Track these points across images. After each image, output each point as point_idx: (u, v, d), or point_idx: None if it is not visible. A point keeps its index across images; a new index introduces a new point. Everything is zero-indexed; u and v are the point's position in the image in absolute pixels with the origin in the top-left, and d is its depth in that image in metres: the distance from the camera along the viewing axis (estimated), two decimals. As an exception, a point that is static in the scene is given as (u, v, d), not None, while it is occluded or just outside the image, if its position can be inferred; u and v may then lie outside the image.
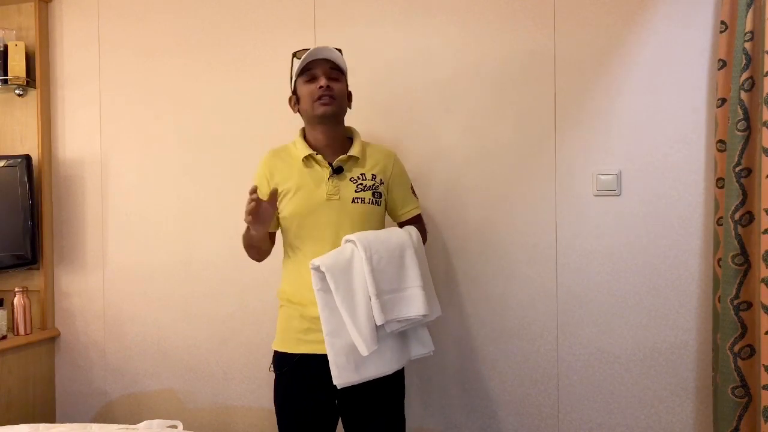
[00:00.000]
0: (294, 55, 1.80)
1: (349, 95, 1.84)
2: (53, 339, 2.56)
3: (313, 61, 1.74)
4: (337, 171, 1.74)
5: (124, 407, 2.49)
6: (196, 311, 2.39)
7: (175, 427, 1.77)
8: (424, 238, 1.90)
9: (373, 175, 1.78)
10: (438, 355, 2.14)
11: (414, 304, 1.64)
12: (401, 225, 1.86)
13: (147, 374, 2.46)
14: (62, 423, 2.18)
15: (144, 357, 2.46)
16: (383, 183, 1.80)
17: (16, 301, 2.43)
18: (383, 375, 1.65)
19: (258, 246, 1.79)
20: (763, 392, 1.68)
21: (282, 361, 1.76)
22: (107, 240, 2.50)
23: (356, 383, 1.62)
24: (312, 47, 1.75)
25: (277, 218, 1.80)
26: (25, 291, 2.45)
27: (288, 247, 1.80)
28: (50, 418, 2.54)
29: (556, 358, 2.05)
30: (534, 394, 2.07)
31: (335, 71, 1.76)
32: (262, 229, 1.68)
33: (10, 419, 2.33)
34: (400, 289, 1.65)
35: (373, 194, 1.76)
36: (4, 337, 2.37)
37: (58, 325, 2.58)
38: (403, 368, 1.78)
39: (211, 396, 2.38)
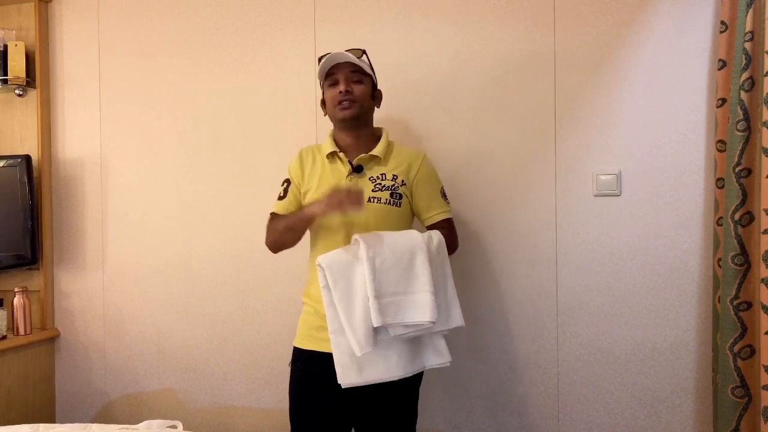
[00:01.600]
0: (319, 60, 1.79)
1: (379, 94, 1.84)
2: (53, 339, 2.56)
3: (335, 65, 1.74)
4: (357, 170, 1.73)
5: (124, 407, 2.49)
6: (196, 311, 2.39)
7: (175, 427, 1.77)
8: (454, 244, 1.84)
9: (394, 175, 1.75)
10: (438, 355, 2.15)
11: (421, 309, 1.58)
12: (429, 229, 1.81)
13: (147, 374, 2.46)
14: (62, 423, 2.17)
15: (144, 357, 2.46)
16: (405, 184, 1.75)
17: (16, 301, 2.43)
18: (388, 380, 1.62)
19: (300, 230, 1.74)
20: (763, 392, 1.68)
21: (297, 357, 1.78)
22: (107, 240, 2.50)
23: (359, 385, 1.60)
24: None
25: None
26: (25, 291, 2.45)
27: (310, 243, 1.82)
28: (50, 418, 2.53)
29: (556, 358, 2.05)
30: (534, 394, 2.07)
31: (357, 74, 1.75)
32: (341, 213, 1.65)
33: (10, 419, 2.33)
34: (407, 292, 1.59)
35: (392, 195, 1.73)
36: (4, 337, 2.37)
37: (58, 325, 2.58)
38: (421, 375, 1.75)
39: (211, 396, 2.38)
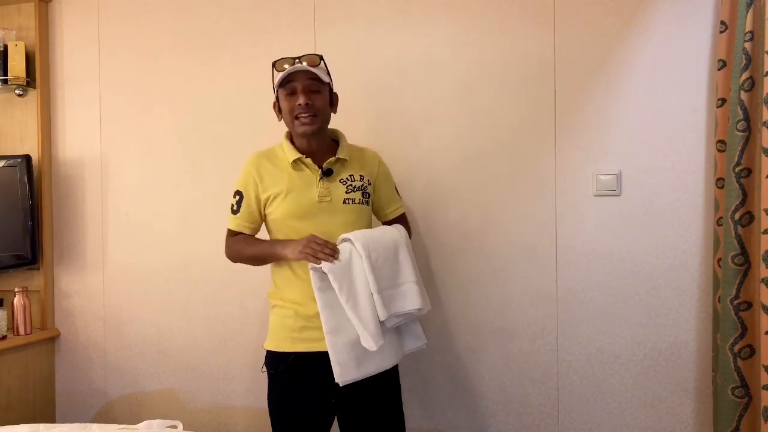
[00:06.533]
0: (273, 65, 1.77)
1: (335, 99, 1.83)
2: (53, 339, 2.56)
3: (293, 72, 1.72)
4: (327, 173, 1.76)
5: (124, 407, 2.49)
6: (196, 311, 2.39)
7: (175, 427, 1.77)
8: (410, 235, 1.92)
9: (361, 175, 1.81)
10: (438, 355, 2.15)
11: (410, 298, 1.68)
12: (387, 223, 1.89)
13: (147, 374, 2.46)
14: (62, 423, 2.18)
15: (144, 357, 2.46)
16: (370, 183, 1.83)
17: (16, 301, 2.43)
18: (382, 370, 1.68)
19: (269, 261, 1.82)
20: (763, 392, 1.68)
21: (276, 361, 1.77)
22: (107, 240, 2.50)
23: (358, 380, 1.64)
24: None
25: (259, 220, 1.81)
26: (25, 291, 2.45)
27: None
28: (50, 418, 2.54)
29: (556, 358, 2.05)
30: (534, 394, 2.07)
31: (316, 82, 1.73)
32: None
33: (10, 419, 2.33)
34: (397, 284, 1.69)
35: (363, 194, 1.80)
36: (4, 337, 2.37)
37: (58, 325, 2.58)
38: (397, 364, 1.80)
39: (211, 396, 2.38)
